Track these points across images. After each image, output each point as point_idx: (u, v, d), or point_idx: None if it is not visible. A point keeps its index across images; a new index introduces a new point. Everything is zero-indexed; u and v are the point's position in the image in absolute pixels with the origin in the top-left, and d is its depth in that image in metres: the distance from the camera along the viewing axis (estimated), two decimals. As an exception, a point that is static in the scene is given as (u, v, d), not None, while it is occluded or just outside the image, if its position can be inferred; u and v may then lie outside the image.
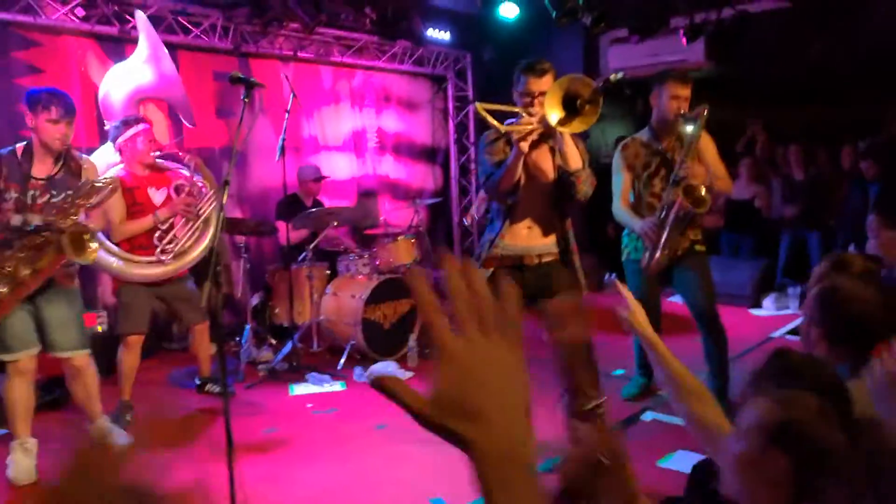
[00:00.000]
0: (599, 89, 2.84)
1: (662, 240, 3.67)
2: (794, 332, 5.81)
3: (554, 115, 2.87)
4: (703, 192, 3.56)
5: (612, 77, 2.91)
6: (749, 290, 6.68)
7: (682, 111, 3.75)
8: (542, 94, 2.99)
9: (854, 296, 1.74)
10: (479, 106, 3.00)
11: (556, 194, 3.16)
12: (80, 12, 5.22)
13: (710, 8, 6.58)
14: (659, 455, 3.41)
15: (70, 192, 3.39)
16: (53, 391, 4.33)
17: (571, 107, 2.89)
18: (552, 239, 3.19)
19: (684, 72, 3.96)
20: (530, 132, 2.92)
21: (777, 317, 6.37)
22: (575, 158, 2.99)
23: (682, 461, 3.34)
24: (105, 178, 3.53)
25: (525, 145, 2.92)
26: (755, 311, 6.58)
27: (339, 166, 7.21)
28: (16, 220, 3.32)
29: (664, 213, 3.69)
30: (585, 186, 3.01)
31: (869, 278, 1.84)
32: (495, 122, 3.00)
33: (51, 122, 3.33)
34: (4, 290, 3.18)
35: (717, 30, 6.66)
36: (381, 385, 0.64)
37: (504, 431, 0.64)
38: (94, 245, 3.32)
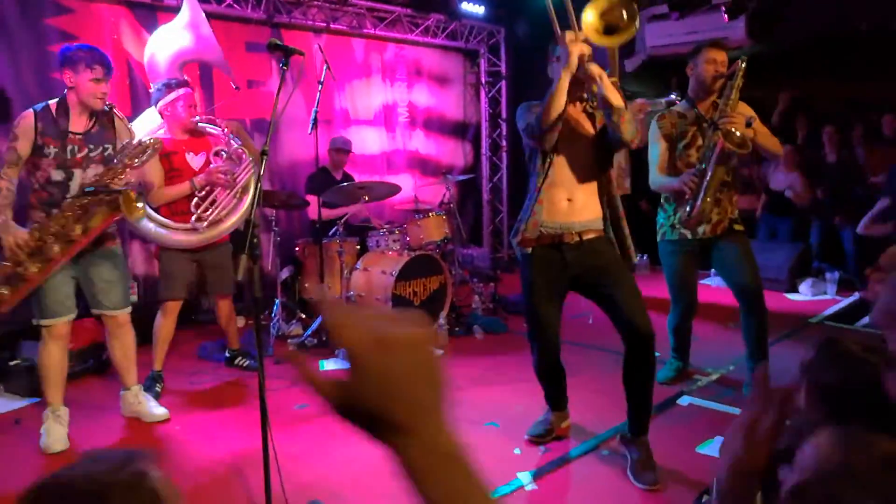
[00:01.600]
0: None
1: (704, 185, 3.61)
2: (832, 317, 5.67)
3: (592, 27, 2.87)
4: (741, 132, 3.52)
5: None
6: (785, 274, 6.53)
7: (718, 73, 3.70)
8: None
9: None
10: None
11: (597, 162, 3.05)
12: (114, -21, 5.18)
13: (753, -17, 6.39)
14: (698, 440, 3.33)
15: (119, 151, 3.44)
16: (87, 360, 4.35)
17: (609, 28, 2.89)
18: (593, 213, 3.08)
19: (719, 39, 3.89)
20: (578, 42, 2.86)
21: (814, 301, 6.22)
22: (616, 96, 2.89)
23: (722, 448, 3.26)
24: (150, 138, 3.54)
25: (575, 53, 2.83)
26: (791, 296, 6.44)
27: (368, 140, 7.13)
28: (57, 174, 3.32)
29: (704, 163, 3.64)
30: (631, 126, 2.90)
31: None
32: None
33: (94, 81, 3.33)
34: (56, 247, 3.22)
35: (760, 6, 6.46)
36: (291, 361, 0.63)
37: (428, 436, 0.60)
38: (141, 205, 3.38)
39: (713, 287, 6.54)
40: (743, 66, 3.60)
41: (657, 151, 3.88)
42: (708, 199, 3.64)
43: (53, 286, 3.35)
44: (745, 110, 3.76)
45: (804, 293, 6.43)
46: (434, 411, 0.61)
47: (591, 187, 3.08)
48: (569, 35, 2.87)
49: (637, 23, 2.85)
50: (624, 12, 2.84)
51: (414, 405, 0.59)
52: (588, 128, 3.07)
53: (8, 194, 3.25)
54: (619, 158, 5.10)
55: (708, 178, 3.60)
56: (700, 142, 3.75)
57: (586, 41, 2.88)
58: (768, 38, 6.95)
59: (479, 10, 7.51)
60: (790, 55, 7.68)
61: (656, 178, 3.88)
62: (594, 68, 2.88)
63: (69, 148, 3.34)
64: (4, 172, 3.26)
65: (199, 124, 4.10)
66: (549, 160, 3.04)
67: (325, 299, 0.62)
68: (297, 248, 5.74)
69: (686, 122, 3.82)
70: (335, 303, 0.62)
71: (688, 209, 3.68)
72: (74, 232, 3.25)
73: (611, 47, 2.97)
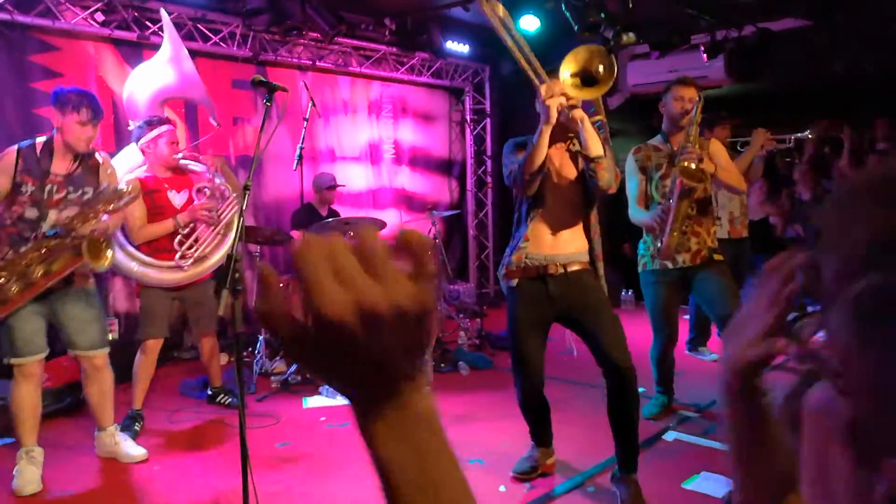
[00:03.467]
0: (611, 50, 2.85)
1: (669, 221, 3.72)
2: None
3: (570, 83, 2.88)
4: (696, 165, 3.65)
5: (626, 39, 2.95)
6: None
7: (685, 110, 3.83)
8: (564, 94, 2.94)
9: None
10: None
11: (582, 200, 3.08)
12: (100, 17, 5.21)
13: (731, 26, 6.53)
14: (683, 476, 3.30)
15: (92, 197, 3.39)
16: (64, 399, 4.26)
17: (588, 80, 2.90)
18: (578, 246, 3.10)
19: (687, 76, 4.03)
20: (556, 94, 2.89)
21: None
22: (595, 144, 2.92)
23: (708, 483, 3.23)
24: (127, 185, 3.49)
25: (553, 107, 2.86)
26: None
27: (354, 177, 7.16)
28: (30, 212, 3.29)
29: (669, 199, 3.75)
30: (608, 174, 2.93)
31: None
32: (527, 63, 2.96)
33: (79, 123, 3.32)
34: (14, 288, 3.14)
35: (738, 47, 6.60)
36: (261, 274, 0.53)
37: (404, 401, 0.53)
38: (109, 253, 3.32)
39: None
40: (700, 103, 3.76)
41: (634, 185, 3.99)
42: (675, 234, 3.74)
43: (21, 324, 3.28)
44: (717, 148, 3.95)
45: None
46: (413, 377, 0.53)
47: (577, 222, 3.11)
48: (545, 90, 2.90)
49: (614, 74, 2.89)
50: (601, 66, 2.88)
51: (393, 376, 0.52)
52: (571, 168, 3.10)
53: None
54: (743, 198, 5.27)
55: (672, 213, 3.71)
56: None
57: (564, 94, 2.91)
58: (747, 77, 7.09)
59: (464, 49, 7.62)
60: (769, 94, 7.85)
61: (635, 212, 3.99)
62: (576, 113, 2.91)
63: (48, 188, 3.31)
64: None
65: (181, 161, 4.09)
66: (535, 199, 3.07)
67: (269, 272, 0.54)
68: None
69: (661, 155, 3.94)
70: (306, 251, 0.50)
71: (658, 244, 3.81)
72: (35, 274, 3.18)
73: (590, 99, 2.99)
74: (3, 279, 3.13)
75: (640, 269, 4.06)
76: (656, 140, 4.04)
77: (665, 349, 4.16)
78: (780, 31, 6.55)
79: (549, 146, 2.94)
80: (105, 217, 3.38)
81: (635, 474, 3.07)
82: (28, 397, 3.36)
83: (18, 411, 3.36)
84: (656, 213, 3.78)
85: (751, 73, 6.96)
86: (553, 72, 3.01)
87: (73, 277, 3.42)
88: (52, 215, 3.32)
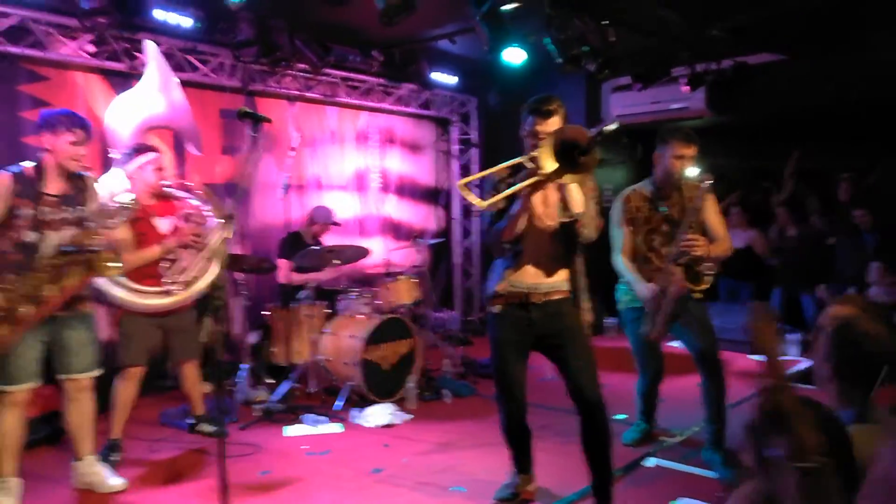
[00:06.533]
0: (594, 139, 2.72)
1: (661, 316, 3.68)
2: (794, 378, 5.73)
3: (550, 166, 2.73)
4: (702, 270, 3.61)
5: (606, 129, 2.83)
6: (748, 335, 6.62)
7: (686, 168, 3.75)
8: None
9: (866, 331, 1.73)
10: (462, 184, 2.92)
11: (562, 236, 3.12)
12: (90, 48, 5.28)
13: (710, 59, 6.69)
14: (663, 502, 3.32)
15: (94, 212, 3.42)
16: (41, 430, 4.22)
17: (570, 155, 2.74)
18: (561, 277, 3.14)
19: (689, 131, 3.84)
20: (530, 186, 2.85)
21: (779, 365, 6.29)
22: (577, 201, 2.95)
23: (687, 511, 3.26)
24: (125, 198, 3.50)
25: (527, 201, 2.90)
26: (755, 357, 6.51)
27: (341, 205, 7.21)
28: (30, 237, 3.28)
29: (664, 292, 3.68)
30: (587, 230, 2.99)
31: (879, 317, 1.82)
32: (476, 200, 2.89)
33: (72, 143, 3.35)
34: (24, 309, 3.14)
35: (718, 79, 6.76)
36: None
37: None
38: (119, 264, 3.34)
39: (679, 350, 6.59)
40: (709, 184, 3.59)
41: (620, 235, 3.90)
42: (664, 326, 3.71)
43: (20, 351, 3.26)
44: (711, 206, 3.79)
45: (768, 355, 6.51)
46: None
47: (559, 257, 3.14)
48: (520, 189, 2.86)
49: (595, 164, 2.75)
50: (582, 156, 2.72)
51: None
52: (553, 209, 3.10)
53: None
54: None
55: (664, 309, 3.66)
56: (665, 228, 3.79)
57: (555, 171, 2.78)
58: (727, 109, 7.24)
59: (452, 80, 7.74)
60: (750, 125, 8.01)
61: (621, 265, 3.90)
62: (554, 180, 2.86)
63: (43, 210, 3.33)
64: None
65: (166, 189, 4.13)
66: (516, 238, 3.07)
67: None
68: (265, 313, 5.71)
69: (652, 207, 3.85)
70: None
71: (647, 327, 3.77)
72: (49, 292, 3.19)
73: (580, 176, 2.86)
74: (9, 301, 3.12)
75: (620, 306, 4.06)
76: (647, 188, 3.90)
77: (652, 383, 4.18)
78: (757, 64, 6.71)
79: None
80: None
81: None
82: (11, 426, 3.32)
83: (1, 440, 3.32)
84: (650, 296, 3.70)
85: (730, 105, 7.11)
86: (537, 110, 3.01)
87: (77, 300, 3.43)
88: (50, 237, 3.31)
